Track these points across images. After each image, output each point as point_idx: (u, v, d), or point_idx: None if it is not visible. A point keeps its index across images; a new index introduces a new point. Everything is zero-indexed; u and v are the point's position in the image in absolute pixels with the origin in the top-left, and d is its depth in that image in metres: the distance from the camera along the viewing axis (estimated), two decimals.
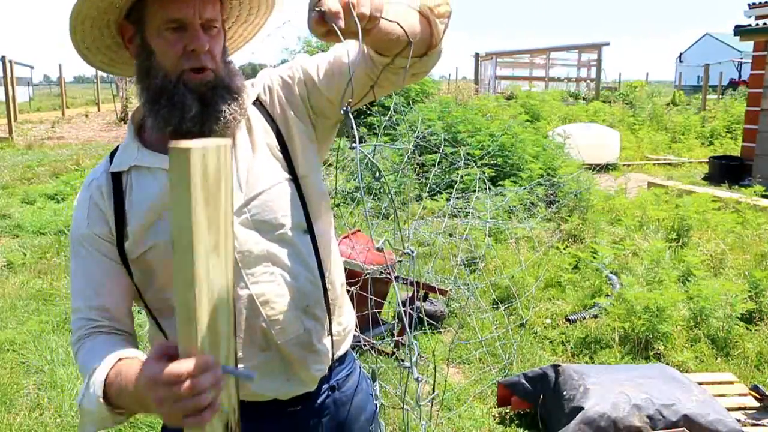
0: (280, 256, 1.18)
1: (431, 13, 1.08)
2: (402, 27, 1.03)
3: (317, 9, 0.88)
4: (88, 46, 1.18)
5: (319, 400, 1.28)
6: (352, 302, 2.90)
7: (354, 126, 0.84)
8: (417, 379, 1.06)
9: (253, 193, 1.16)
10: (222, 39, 1.15)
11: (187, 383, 0.85)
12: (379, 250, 1.08)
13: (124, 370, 1.02)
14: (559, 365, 2.98)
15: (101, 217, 1.16)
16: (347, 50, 1.08)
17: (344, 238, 3.90)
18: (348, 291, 3.12)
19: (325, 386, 1.29)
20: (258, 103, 1.23)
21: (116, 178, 1.17)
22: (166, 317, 1.18)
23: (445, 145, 6.48)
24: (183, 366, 0.86)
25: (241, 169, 1.16)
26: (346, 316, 1.33)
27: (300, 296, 1.21)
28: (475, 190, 5.58)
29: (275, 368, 1.20)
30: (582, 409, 2.61)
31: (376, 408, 1.42)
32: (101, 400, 1.00)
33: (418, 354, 3.67)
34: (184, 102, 1.10)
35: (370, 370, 2.87)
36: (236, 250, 1.12)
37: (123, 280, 1.17)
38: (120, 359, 1.05)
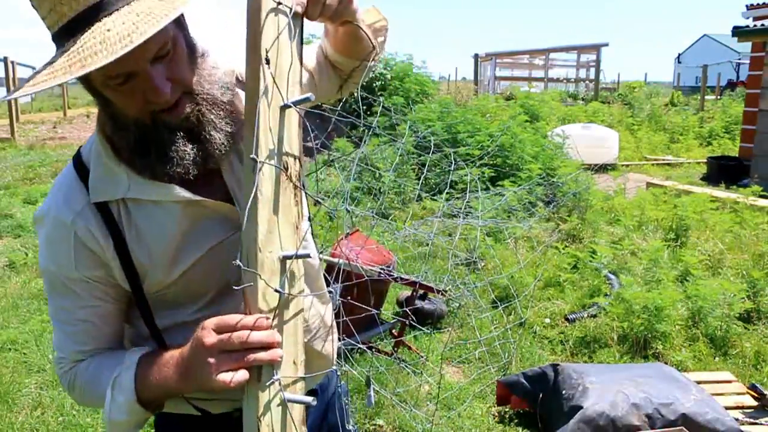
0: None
1: (369, 29, 1.15)
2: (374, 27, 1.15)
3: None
4: None
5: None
6: (344, 303, 2.90)
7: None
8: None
9: None
10: (181, 48, 0.96)
11: (234, 333, 0.87)
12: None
13: (154, 359, 0.99)
14: (558, 364, 2.99)
15: (95, 260, 1.01)
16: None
17: (343, 238, 3.91)
18: (348, 292, 3.14)
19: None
20: (238, 80, 1.14)
21: (103, 209, 1.01)
22: (194, 329, 1.01)
23: (444, 146, 6.50)
24: (236, 317, 0.88)
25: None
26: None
27: (313, 280, 1.20)
28: (474, 191, 5.60)
29: None
30: (581, 408, 2.63)
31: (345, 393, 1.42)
32: (135, 403, 0.98)
33: (421, 356, 3.69)
34: (178, 149, 0.97)
35: (365, 376, 2.90)
36: None
37: (120, 317, 1.09)
38: (141, 356, 1.01)
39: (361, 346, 3.23)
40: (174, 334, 1.07)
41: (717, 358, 3.72)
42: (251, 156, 0.88)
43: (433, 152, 5.68)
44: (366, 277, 3.25)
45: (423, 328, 3.83)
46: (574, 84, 21.48)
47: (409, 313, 3.63)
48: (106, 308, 1.05)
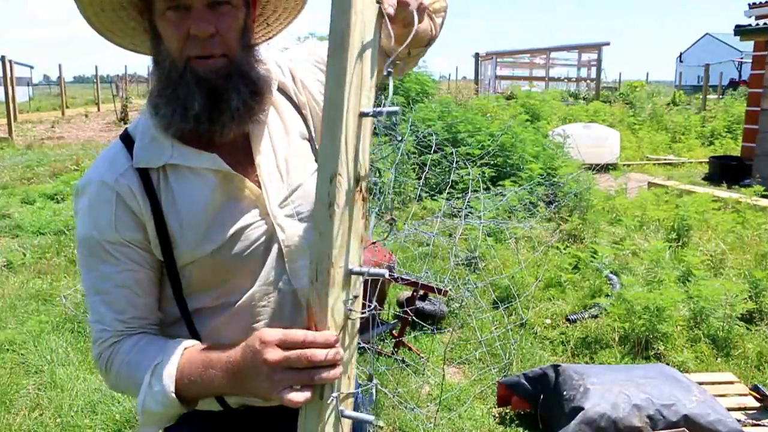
0: None
1: (429, 10, 1.13)
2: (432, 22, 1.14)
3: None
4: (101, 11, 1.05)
5: None
6: None
7: None
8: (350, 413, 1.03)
9: (295, 184, 1.12)
10: (240, 17, 1.02)
11: (302, 351, 0.85)
12: None
13: (201, 355, 0.97)
14: (559, 365, 2.98)
15: (135, 222, 1.04)
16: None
17: None
18: None
19: None
20: (279, 89, 1.17)
21: (144, 175, 1.04)
22: (214, 315, 1.10)
23: (444, 145, 6.48)
24: (303, 333, 0.86)
25: (279, 158, 1.11)
26: None
27: None
28: (475, 190, 5.59)
29: None
30: (582, 409, 2.61)
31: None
32: (173, 395, 0.96)
33: (422, 356, 3.67)
34: (187, 96, 0.99)
35: (368, 374, 2.89)
36: (284, 244, 1.09)
37: (156, 288, 1.09)
38: (186, 348, 0.99)
39: (363, 345, 3.22)
40: (196, 320, 1.09)
41: (719, 359, 3.70)
42: (330, 168, 0.85)
43: (433, 152, 5.66)
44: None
45: (425, 325, 3.81)
46: (576, 83, 21.48)
47: (410, 313, 3.61)
48: (143, 274, 1.06)
